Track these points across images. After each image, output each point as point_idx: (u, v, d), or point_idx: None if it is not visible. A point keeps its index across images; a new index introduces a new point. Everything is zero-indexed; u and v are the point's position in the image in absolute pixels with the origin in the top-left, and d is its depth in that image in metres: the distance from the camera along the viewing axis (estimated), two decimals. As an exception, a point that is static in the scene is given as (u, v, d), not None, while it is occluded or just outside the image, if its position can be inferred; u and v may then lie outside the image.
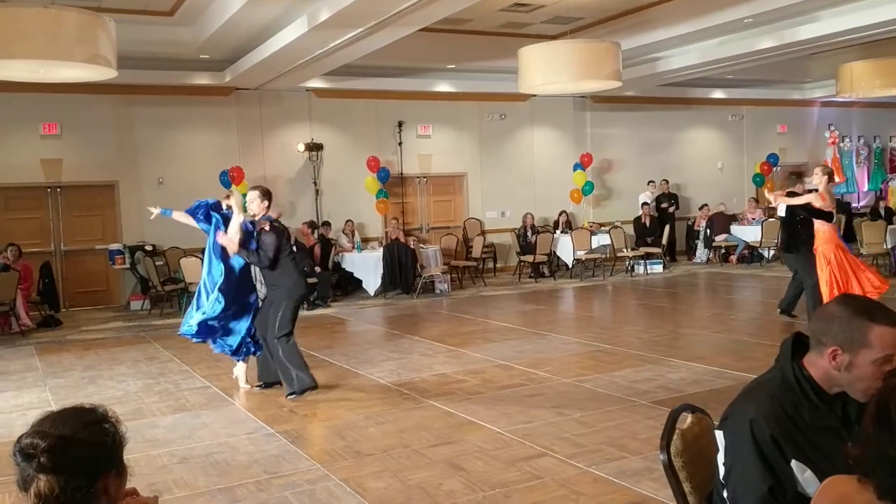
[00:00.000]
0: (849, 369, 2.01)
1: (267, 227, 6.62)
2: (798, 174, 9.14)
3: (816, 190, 8.39)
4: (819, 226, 8.33)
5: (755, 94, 18.55)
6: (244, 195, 7.88)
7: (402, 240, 13.65)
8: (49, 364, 8.61)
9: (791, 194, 8.66)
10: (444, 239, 14.92)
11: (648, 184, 16.90)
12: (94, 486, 1.55)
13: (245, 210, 6.85)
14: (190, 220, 6.98)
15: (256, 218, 6.71)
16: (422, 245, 13.91)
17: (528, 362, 7.64)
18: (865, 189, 20.26)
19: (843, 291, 7.62)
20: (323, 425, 5.84)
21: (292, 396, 6.56)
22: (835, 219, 8.49)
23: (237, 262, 6.78)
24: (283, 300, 6.63)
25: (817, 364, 2.06)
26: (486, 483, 4.43)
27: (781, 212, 8.91)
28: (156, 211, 7.18)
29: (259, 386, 6.98)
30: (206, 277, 6.84)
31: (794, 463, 1.95)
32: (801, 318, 8.84)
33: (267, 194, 6.80)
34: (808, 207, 8.31)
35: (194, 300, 6.96)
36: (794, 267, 8.96)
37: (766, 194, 9.62)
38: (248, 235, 6.67)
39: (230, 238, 6.58)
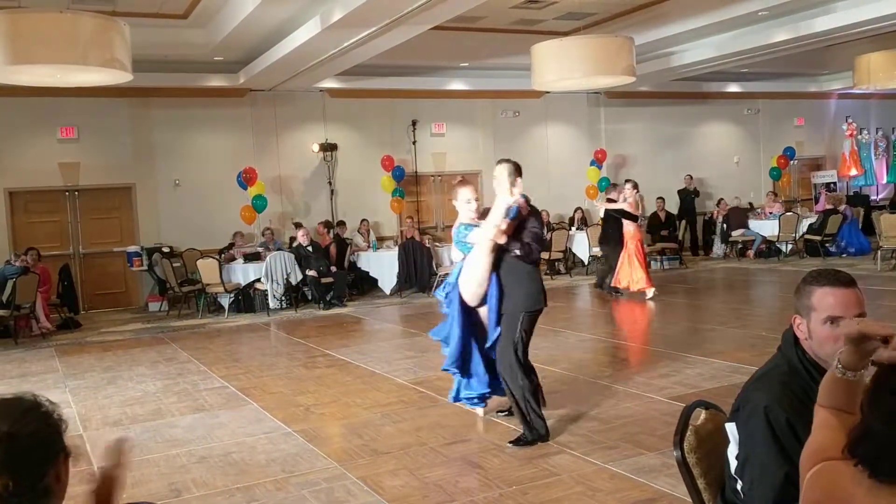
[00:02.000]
0: (811, 336, 2.09)
1: (524, 211, 5.11)
2: (615, 184, 11.99)
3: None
4: (627, 226, 11.20)
5: (771, 88, 18.43)
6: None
7: (418, 238, 13.67)
8: (69, 365, 8.70)
9: (609, 200, 11.60)
10: (459, 237, 14.91)
11: (626, 182, 16.13)
12: (47, 475, 1.49)
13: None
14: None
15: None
16: (437, 243, 13.91)
17: (545, 359, 7.62)
18: (884, 181, 20.05)
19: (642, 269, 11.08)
20: (340, 424, 5.87)
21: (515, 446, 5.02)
22: (640, 220, 11.73)
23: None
24: (518, 312, 5.08)
25: (806, 344, 2.12)
26: (502, 480, 4.43)
27: (601, 213, 12.00)
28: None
29: (504, 412, 5.63)
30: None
31: None
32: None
33: (518, 168, 5.16)
34: (620, 211, 11.18)
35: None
36: (606, 252, 11.96)
37: (593, 201, 12.82)
38: (520, 225, 5.09)
39: (494, 226, 4.96)
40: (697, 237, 17.13)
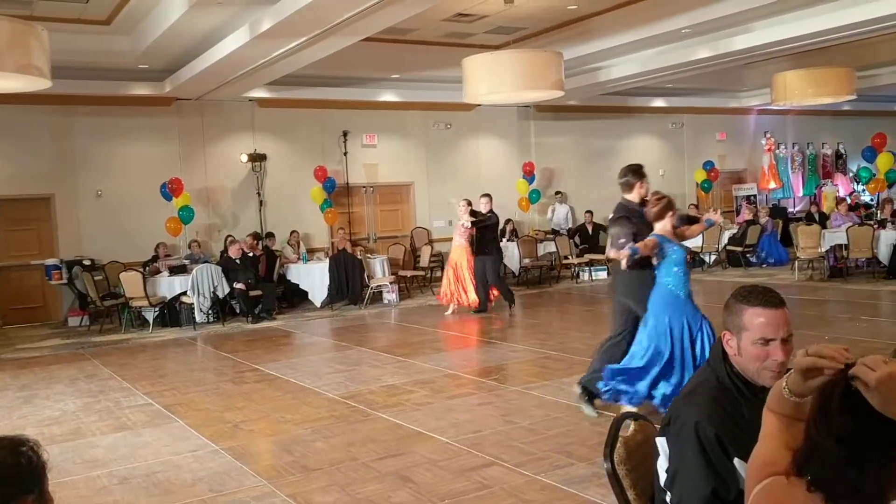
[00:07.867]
0: (741, 353, 2.13)
1: None
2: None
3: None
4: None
5: (694, 103, 18.98)
6: None
7: (350, 250, 13.56)
8: (-18, 384, 8.31)
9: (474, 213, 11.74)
10: (391, 248, 14.88)
11: (556, 194, 16.93)
12: None
13: None
14: None
15: None
16: (369, 255, 13.84)
17: (477, 371, 7.65)
18: (801, 194, 20.86)
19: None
20: (269, 440, 5.75)
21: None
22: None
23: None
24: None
25: (735, 359, 2.16)
26: (435, 494, 4.41)
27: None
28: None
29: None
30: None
31: (736, 461, 1.99)
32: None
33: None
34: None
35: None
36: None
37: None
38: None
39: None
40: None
